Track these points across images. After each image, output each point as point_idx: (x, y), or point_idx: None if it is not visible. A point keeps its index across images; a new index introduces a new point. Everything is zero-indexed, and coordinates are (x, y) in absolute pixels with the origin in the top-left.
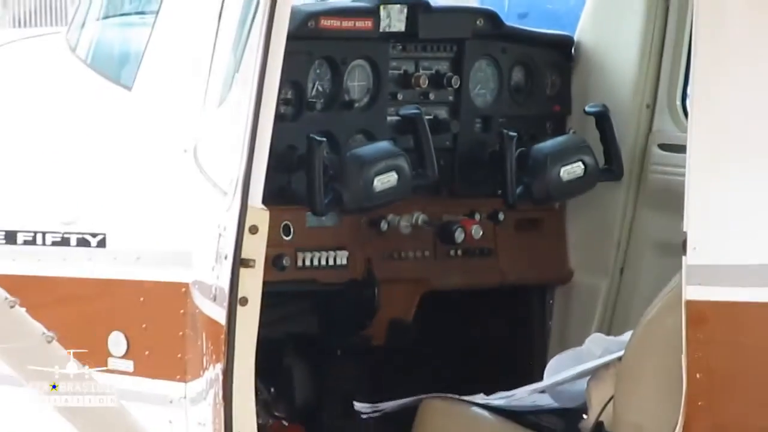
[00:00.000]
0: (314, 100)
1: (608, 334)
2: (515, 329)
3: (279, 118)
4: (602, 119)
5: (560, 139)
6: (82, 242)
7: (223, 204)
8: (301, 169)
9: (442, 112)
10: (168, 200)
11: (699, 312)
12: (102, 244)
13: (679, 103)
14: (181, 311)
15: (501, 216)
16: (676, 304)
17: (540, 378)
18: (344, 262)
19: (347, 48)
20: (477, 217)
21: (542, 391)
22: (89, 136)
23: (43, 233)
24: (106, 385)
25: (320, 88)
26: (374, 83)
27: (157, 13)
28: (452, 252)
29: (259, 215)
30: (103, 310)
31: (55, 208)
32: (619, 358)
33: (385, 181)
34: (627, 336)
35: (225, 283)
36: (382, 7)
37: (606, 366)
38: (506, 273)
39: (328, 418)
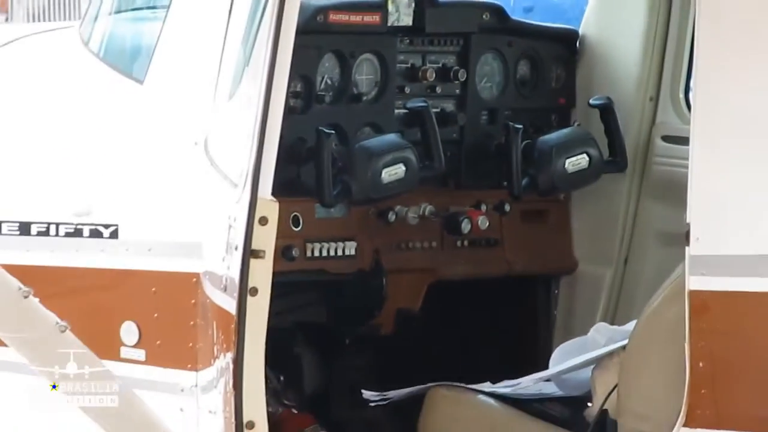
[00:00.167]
0: (323, 93)
1: (612, 323)
2: (521, 319)
3: (288, 111)
4: (606, 112)
5: (565, 131)
6: (95, 233)
7: (233, 196)
8: (310, 161)
9: (449, 105)
10: (179, 192)
11: (702, 302)
12: (114, 235)
13: (682, 95)
14: (192, 301)
15: (507, 207)
16: (680, 293)
17: (545, 367)
18: (353, 252)
19: (355, 42)
20: (483, 208)
21: (547, 380)
22: (102, 129)
23: (57, 224)
24: (117, 374)
25: (329, 82)
26: (382, 77)
27: (169, 7)
28: (459, 242)
29: (269, 207)
30: (115, 301)
31: (68, 199)
32: (623, 347)
33: (393, 173)
34: (631, 325)
35: (235, 274)
36: (389, 2)
37: (610, 355)
38: (512, 263)
39: (337, 406)
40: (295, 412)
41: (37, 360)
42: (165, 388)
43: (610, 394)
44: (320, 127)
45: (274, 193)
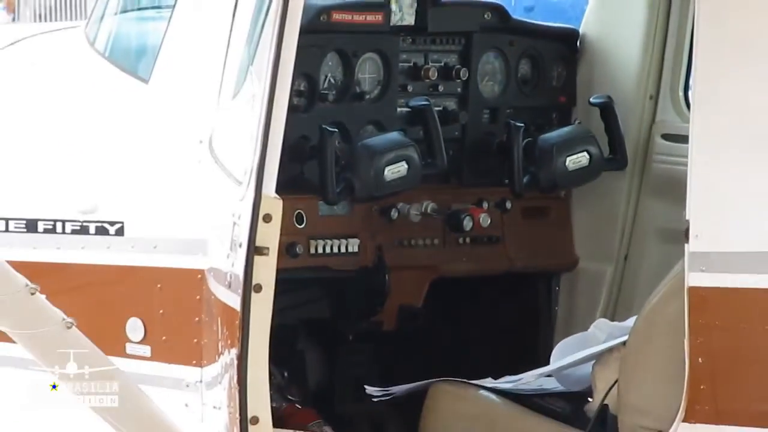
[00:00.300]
0: (326, 91)
1: (612, 319)
2: (522, 315)
3: (292, 109)
4: (607, 110)
5: (566, 129)
6: (101, 230)
7: (237, 193)
8: (313, 159)
9: (451, 104)
10: (184, 190)
11: (701, 298)
12: (120, 232)
13: (681, 94)
14: (197, 298)
15: (508, 204)
16: (679, 290)
17: (546, 362)
18: (356, 249)
19: (358, 41)
20: (485, 205)
21: (548, 375)
22: (107, 128)
23: (63, 222)
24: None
25: (332, 80)
26: (385, 75)
27: (174, 7)
28: (461, 240)
29: (273, 204)
30: (121, 297)
31: (75, 197)
32: (624, 343)
33: (396, 170)
34: (631, 321)
35: (240, 271)
36: (392, 2)
37: (610, 350)
38: (513, 260)
39: (340, 401)
40: (299, 407)
41: (44, 356)
42: (170, 383)
43: (610, 389)
44: (323, 126)
45: (277, 191)
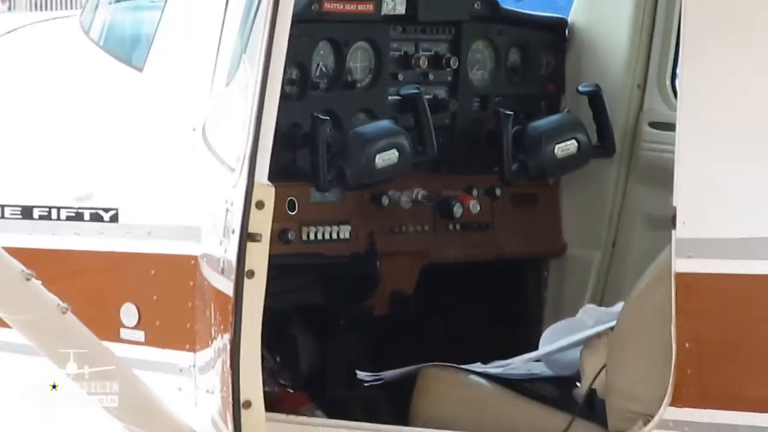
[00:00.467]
0: (318, 80)
1: (600, 304)
2: (511, 300)
3: (284, 97)
4: (595, 98)
5: (555, 117)
6: (95, 217)
7: (230, 180)
8: (305, 146)
9: (441, 92)
10: (177, 177)
11: (688, 284)
12: (114, 219)
13: (668, 82)
14: (191, 283)
15: (498, 191)
16: (666, 276)
17: (535, 347)
18: (347, 236)
19: (350, 30)
20: (475, 192)
21: (537, 360)
22: (102, 116)
23: (58, 208)
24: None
25: (324, 69)
26: (376, 64)
27: None
28: (451, 226)
29: (265, 191)
30: (115, 283)
31: (70, 184)
32: (611, 328)
33: (386, 158)
34: (619, 307)
35: (232, 257)
36: None
37: (598, 335)
38: (503, 246)
39: (332, 386)
40: (291, 391)
41: (40, 341)
42: (163, 368)
43: (598, 374)
44: (315, 114)
45: (270, 178)
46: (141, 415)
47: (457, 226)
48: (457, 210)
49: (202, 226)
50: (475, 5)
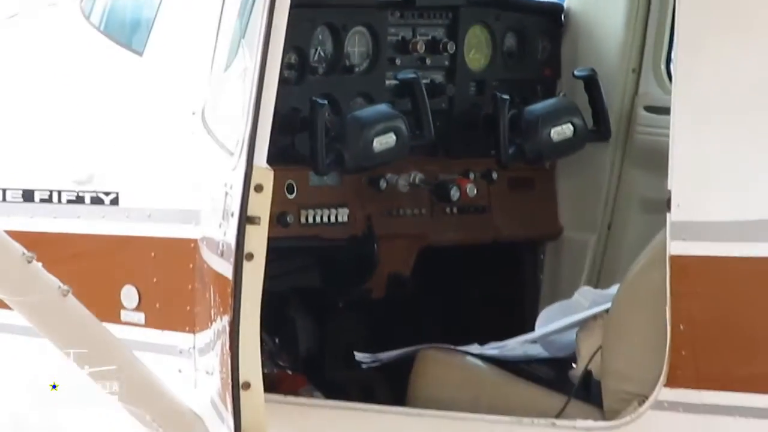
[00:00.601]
0: (316, 64)
1: (596, 287)
2: (508, 283)
3: (283, 81)
4: (591, 83)
5: (551, 101)
6: (96, 200)
7: (229, 164)
8: (304, 130)
9: (438, 77)
10: (177, 160)
11: (682, 266)
12: (115, 202)
13: (663, 67)
14: (190, 266)
15: (494, 175)
16: (661, 258)
17: (531, 329)
18: (345, 219)
19: (348, 15)
20: (471, 176)
21: (533, 342)
22: (102, 100)
23: (59, 192)
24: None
25: (322, 54)
26: (373, 49)
27: None
28: (448, 209)
29: (264, 174)
30: (115, 265)
31: (70, 168)
32: (607, 310)
33: (384, 142)
34: (614, 289)
35: (232, 240)
36: None
37: (594, 317)
38: (500, 229)
39: (330, 367)
40: (290, 373)
41: (40, 323)
42: (164, 349)
43: (594, 355)
44: (314, 98)
45: (269, 162)
46: (141, 396)
47: (454, 210)
48: (454, 193)
49: (202, 210)
50: None
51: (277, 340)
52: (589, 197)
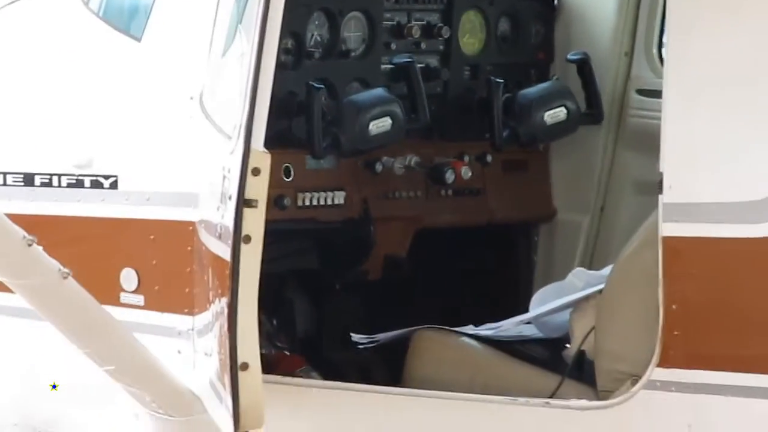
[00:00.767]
0: (313, 49)
1: (589, 268)
2: (503, 264)
3: (280, 66)
4: (583, 66)
5: (544, 85)
6: (96, 184)
7: (227, 148)
8: (300, 114)
9: (433, 61)
10: (176, 144)
11: (674, 247)
12: (114, 185)
13: (655, 50)
14: (189, 248)
15: (489, 158)
16: (653, 239)
17: (526, 310)
18: (342, 201)
19: (344, 1)
20: (466, 159)
21: (528, 322)
22: (102, 85)
23: (59, 176)
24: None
25: (318, 39)
26: (369, 34)
27: None
28: (443, 192)
29: (262, 158)
30: (115, 248)
31: (70, 152)
32: (600, 291)
33: (380, 125)
34: (607, 270)
35: (229, 222)
36: None
37: (587, 298)
38: (494, 211)
39: (327, 348)
40: (288, 354)
41: (41, 305)
42: (163, 331)
43: (587, 335)
44: (310, 82)
45: (266, 145)
46: (141, 377)
47: (449, 192)
48: (449, 176)
49: (200, 193)
50: None
51: (274, 322)
52: (583, 179)
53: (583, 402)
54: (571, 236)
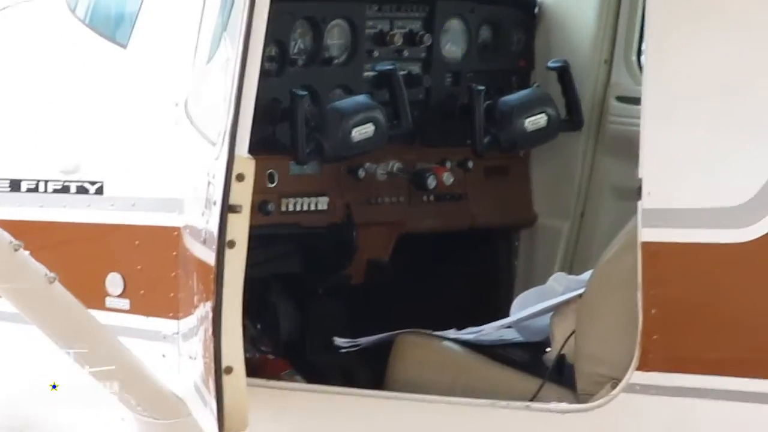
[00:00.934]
0: (296, 57)
1: (569, 273)
2: (484, 269)
3: (264, 73)
4: (564, 73)
5: (525, 92)
6: (82, 190)
7: (212, 154)
8: (284, 121)
9: (416, 68)
10: (161, 150)
11: (653, 252)
12: (100, 191)
13: (634, 58)
14: (174, 253)
15: (470, 164)
16: (633, 244)
17: (507, 314)
18: (325, 207)
19: (327, 8)
20: (448, 164)
21: (509, 327)
22: (87, 91)
23: (45, 181)
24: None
25: (302, 46)
26: (352, 41)
27: None
28: (425, 197)
29: (246, 164)
30: (101, 253)
31: (56, 158)
32: (580, 296)
33: (363, 131)
34: (587, 275)
35: (214, 228)
36: None
37: (568, 302)
38: (476, 216)
39: (311, 352)
40: (271, 357)
41: (27, 309)
42: (148, 335)
43: (567, 339)
44: (294, 89)
45: (250, 151)
46: (126, 381)
47: (431, 197)
48: (431, 182)
49: (185, 198)
50: None
51: (258, 326)
52: (563, 185)
53: (564, 405)
54: (551, 241)
